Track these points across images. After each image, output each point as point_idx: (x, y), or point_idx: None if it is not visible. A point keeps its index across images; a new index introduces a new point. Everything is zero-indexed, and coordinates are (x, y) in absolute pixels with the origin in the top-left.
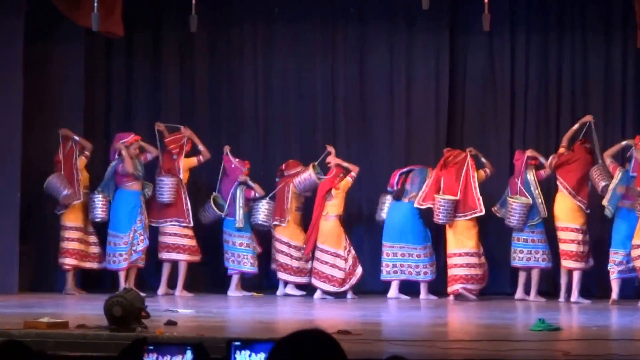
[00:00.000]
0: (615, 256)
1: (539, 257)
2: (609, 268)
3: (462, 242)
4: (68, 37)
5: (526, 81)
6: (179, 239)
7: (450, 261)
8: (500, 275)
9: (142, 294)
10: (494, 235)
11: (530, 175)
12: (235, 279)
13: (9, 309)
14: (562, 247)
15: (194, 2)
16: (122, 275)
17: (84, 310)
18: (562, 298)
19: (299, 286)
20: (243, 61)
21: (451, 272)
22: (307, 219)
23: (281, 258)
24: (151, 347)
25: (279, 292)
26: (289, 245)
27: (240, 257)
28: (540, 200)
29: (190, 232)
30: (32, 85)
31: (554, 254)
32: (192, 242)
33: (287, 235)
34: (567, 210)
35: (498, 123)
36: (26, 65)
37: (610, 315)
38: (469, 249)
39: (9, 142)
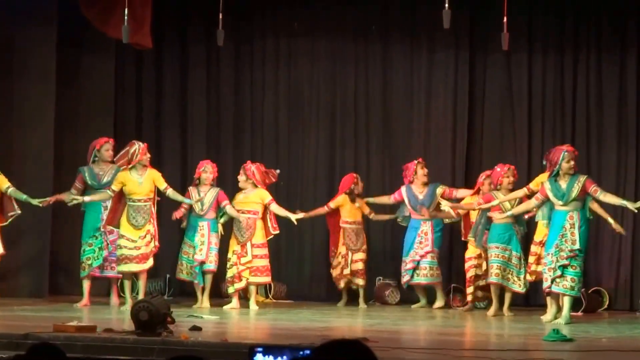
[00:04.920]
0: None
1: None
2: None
3: None
4: (99, 48)
5: (543, 98)
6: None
7: None
8: None
9: None
10: None
11: None
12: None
13: (39, 312)
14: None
15: (220, 17)
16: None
17: (111, 315)
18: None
19: None
20: (266, 74)
21: None
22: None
23: None
24: (260, 349)
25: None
26: None
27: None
28: None
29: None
30: (64, 94)
31: None
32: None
33: None
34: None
35: (516, 139)
36: (59, 75)
37: (621, 327)
38: None
39: (42, 149)
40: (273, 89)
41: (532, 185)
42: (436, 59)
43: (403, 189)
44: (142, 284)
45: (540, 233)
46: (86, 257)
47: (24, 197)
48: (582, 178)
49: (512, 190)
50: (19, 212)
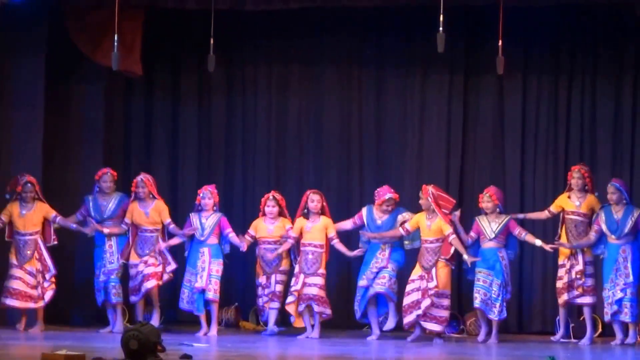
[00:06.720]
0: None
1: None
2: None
3: None
4: (88, 77)
5: (537, 122)
6: None
7: None
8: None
9: None
10: None
11: None
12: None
13: (28, 341)
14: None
15: (212, 42)
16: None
17: (101, 343)
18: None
19: None
20: (258, 100)
21: None
22: None
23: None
24: None
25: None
26: None
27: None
28: None
29: None
30: (53, 124)
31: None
32: None
33: None
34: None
35: (508, 163)
36: (47, 105)
37: (616, 354)
38: None
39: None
40: (265, 116)
41: (553, 208)
42: (430, 82)
43: (364, 210)
44: (154, 306)
45: None
46: (96, 289)
47: (74, 226)
48: (637, 213)
49: (500, 213)
50: (56, 243)
